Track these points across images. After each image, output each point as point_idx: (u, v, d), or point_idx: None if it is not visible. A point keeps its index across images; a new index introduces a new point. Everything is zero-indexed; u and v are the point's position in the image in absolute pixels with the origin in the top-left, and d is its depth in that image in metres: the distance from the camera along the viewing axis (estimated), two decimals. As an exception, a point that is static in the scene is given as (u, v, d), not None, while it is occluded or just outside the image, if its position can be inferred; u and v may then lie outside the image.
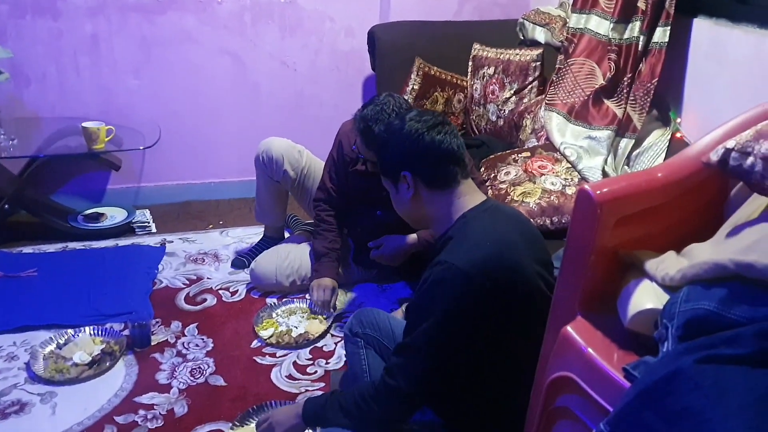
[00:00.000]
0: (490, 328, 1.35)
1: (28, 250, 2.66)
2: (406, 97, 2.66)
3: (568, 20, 2.61)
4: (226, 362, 2.07)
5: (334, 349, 2.16)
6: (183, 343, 2.15)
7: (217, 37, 2.96)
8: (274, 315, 2.31)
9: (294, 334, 2.19)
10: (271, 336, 2.18)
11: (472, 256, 1.32)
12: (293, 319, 2.29)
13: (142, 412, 1.85)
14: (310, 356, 2.12)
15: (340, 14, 3.08)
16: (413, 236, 2.20)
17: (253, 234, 2.82)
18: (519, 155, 2.41)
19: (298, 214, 2.85)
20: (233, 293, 2.45)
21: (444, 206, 1.46)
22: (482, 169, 2.44)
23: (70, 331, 2.14)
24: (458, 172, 1.46)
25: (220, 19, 2.94)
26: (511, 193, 2.25)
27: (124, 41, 2.85)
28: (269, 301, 2.40)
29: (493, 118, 2.75)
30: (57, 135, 2.75)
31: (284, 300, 2.39)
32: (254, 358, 2.10)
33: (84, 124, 2.59)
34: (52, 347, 2.08)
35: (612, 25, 2.40)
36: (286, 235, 2.76)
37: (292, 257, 2.43)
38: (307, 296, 2.36)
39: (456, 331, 1.33)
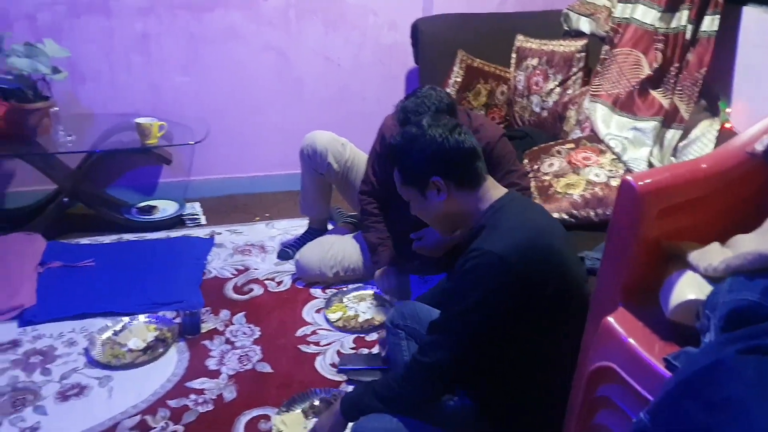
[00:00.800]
0: (525, 312, 1.36)
1: (85, 241, 2.78)
2: (448, 90, 2.68)
3: (613, 10, 2.58)
4: (273, 350, 2.13)
5: (377, 339, 2.19)
6: (231, 331, 2.22)
7: (262, 33, 3.02)
8: (344, 300, 2.38)
9: (360, 320, 2.26)
10: (338, 319, 2.26)
11: (506, 242, 1.34)
12: (362, 305, 2.36)
13: (193, 396, 1.93)
14: (354, 345, 2.16)
15: (383, 8, 3.10)
16: None
17: (298, 226, 2.88)
18: (563, 147, 2.40)
19: (342, 206, 2.90)
20: (279, 283, 2.51)
21: (474, 202, 1.48)
22: (525, 160, 2.43)
23: (125, 318, 2.23)
24: (483, 168, 1.49)
25: (265, 16, 3.00)
26: (555, 185, 2.24)
27: (173, 39, 2.94)
28: (312, 291, 2.45)
29: (537, 110, 2.73)
30: (111, 131, 2.85)
31: (357, 286, 2.45)
32: (299, 346, 2.15)
33: (137, 120, 2.69)
34: (108, 334, 2.17)
35: (659, 14, 2.36)
36: (330, 227, 2.81)
37: (335, 249, 2.48)
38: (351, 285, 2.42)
39: (491, 313, 1.35)
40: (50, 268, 2.51)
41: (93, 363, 2.05)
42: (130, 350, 2.09)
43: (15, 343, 2.14)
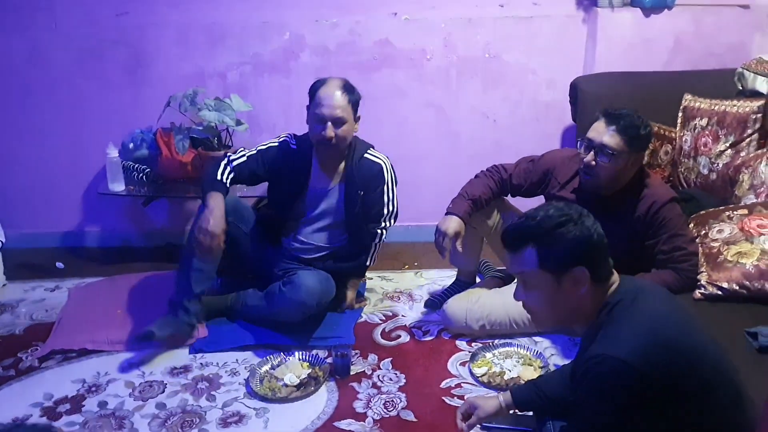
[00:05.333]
0: (663, 414, 1.28)
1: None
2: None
3: (796, 68, 2.41)
4: (417, 399, 2.16)
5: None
6: (378, 376, 2.29)
7: (424, 91, 3.17)
8: (489, 355, 2.37)
9: (506, 377, 2.23)
10: (483, 375, 2.25)
11: (627, 343, 1.29)
12: (508, 362, 2.33)
13: (340, 436, 2.00)
14: (499, 403, 2.13)
15: (543, 67, 3.13)
16: None
17: (446, 276, 2.92)
18: (734, 212, 2.25)
19: (492, 259, 2.90)
20: (425, 332, 2.56)
21: (599, 298, 1.43)
22: (691, 225, 2.31)
23: (283, 354, 2.37)
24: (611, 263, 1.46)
25: (428, 75, 3.14)
26: (725, 253, 2.11)
27: (343, 95, 3.15)
28: (457, 343, 2.46)
29: (705, 172, 2.59)
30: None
31: (504, 342, 2.43)
32: (443, 398, 2.17)
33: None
34: (267, 367, 2.31)
35: None
36: (478, 279, 2.82)
37: (482, 301, 2.48)
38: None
39: (624, 425, 1.29)
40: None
41: (252, 394, 2.20)
42: (286, 385, 2.21)
43: (186, 369, 2.34)
